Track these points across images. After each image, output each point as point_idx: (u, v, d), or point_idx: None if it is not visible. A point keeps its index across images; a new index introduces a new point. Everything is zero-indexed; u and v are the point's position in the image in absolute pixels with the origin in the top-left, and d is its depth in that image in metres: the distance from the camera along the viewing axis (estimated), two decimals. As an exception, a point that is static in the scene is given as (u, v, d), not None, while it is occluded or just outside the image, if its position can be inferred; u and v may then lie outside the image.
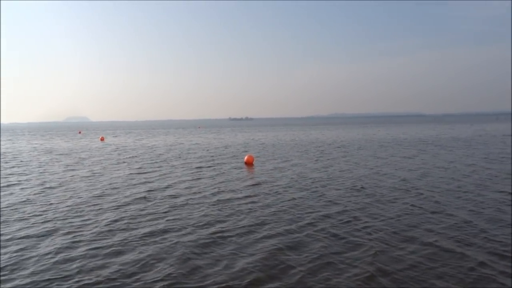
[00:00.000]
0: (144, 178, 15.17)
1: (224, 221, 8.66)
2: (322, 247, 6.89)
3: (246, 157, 19.79)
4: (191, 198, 11.19)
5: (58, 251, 6.85)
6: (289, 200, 10.73)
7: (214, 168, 17.72)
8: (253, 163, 19.41)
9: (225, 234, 7.71)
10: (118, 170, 17.73)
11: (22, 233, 7.96)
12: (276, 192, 11.95)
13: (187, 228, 8.21)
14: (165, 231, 7.97)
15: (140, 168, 18.29)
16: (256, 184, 13.31)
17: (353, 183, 13.18)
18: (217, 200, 10.88)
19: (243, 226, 8.24)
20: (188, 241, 7.31)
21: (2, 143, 43.04)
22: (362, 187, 12.38)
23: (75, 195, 11.97)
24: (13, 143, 42.61)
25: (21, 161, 22.28)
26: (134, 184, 13.72)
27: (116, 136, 57.20)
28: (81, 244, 7.26)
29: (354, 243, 7.10)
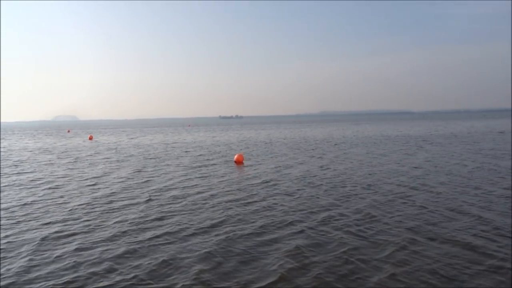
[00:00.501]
0: (145, 178, 14.97)
1: (236, 221, 8.55)
2: (343, 245, 6.82)
3: (236, 156, 19.76)
4: (197, 198, 11.06)
5: (72, 254, 6.68)
6: (297, 198, 10.67)
7: (213, 167, 17.59)
8: (243, 162, 19.36)
9: (240, 234, 7.61)
10: (118, 169, 17.48)
11: (32, 235, 7.76)
12: (283, 191, 11.87)
13: (199, 228, 8.09)
14: (177, 232, 7.84)
15: (138, 167, 18.07)
16: (261, 183, 13.22)
17: (359, 181, 13.17)
18: (224, 200, 10.75)
19: (257, 225, 8.14)
20: (204, 242, 7.19)
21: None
22: (369, 185, 12.36)
23: (78, 196, 11.74)
24: (4, 141, 41.84)
25: (18, 161, 21.86)
26: (136, 184, 13.52)
27: (109, 135, 56.57)
28: (94, 246, 7.10)
29: (375, 241, 7.04)
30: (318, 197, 10.79)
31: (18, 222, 8.75)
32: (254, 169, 16.54)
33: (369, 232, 7.58)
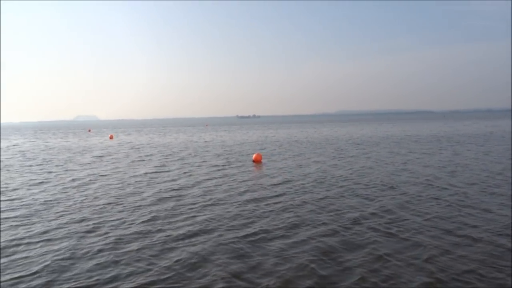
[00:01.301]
0: (167, 176, 15.15)
1: (261, 221, 8.56)
2: (374, 245, 6.76)
3: (254, 156, 19.79)
4: (222, 196, 11.12)
5: (103, 250, 6.81)
6: (322, 199, 10.60)
7: (236, 166, 17.65)
8: (261, 160, 19.41)
9: (267, 234, 7.60)
10: (139, 167, 17.73)
11: (64, 232, 7.95)
12: (307, 190, 11.82)
13: (224, 227, 8.13)
14: (203, 231, 7.89)
15: (160, 165, 18.28)
16: (284, 182, 13.20)
17: (383, 181, 13.00)
18: (249, 199, 10.75)
19: (284, 225, 8.12)
20: (230, 241, 7.22)
21: (18, 141, 43.44)
22: (392, 186, 12.16)
23: (105, 193, 11.97)
24: (29, 141, 42.99)
25: (44, 159, 22.43)
26: (159, 182, 13.69)
27: (129, 134, 57.43)
28: (123, 243, 7.22)
29: (406, 241, 6.94)
30: (345, 197, 10.70)
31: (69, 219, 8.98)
32: (279, 168, 16.51)
33: (403, 233, 7.46)
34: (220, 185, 12.94)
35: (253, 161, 19.40)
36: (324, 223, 8.20)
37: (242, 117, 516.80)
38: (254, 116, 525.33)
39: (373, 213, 8.90)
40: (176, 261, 6.24)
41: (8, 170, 17.93)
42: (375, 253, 6.43)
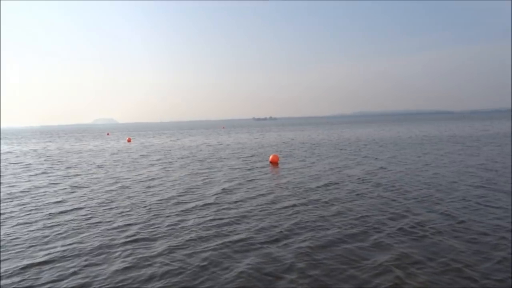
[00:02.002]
0: (200, 180, 15.13)
1: (319, 225, 8.40)
2: (450, 252, 6.52)
3: (271, 157, 19.76)
4: (261, 201, 11.01)
5: (160, 256, 6.77)
6: (370, 199, 10.36)
7: (262, 169, 17.52)
8: (278, 162, 19.46)
9: (332, 239, 7.45)
10: (175, 172, 17.78)
11: (126, 237, 7.95)
12: (348, 191, 11.60)
13: (285, 233, 8.00)
14: (256, 237, 7.79)
15: (199, 168, 18.30)
16: (325, 185, 12.97)
17: (429, 182, 12.65)
18: (291, 204, 10.55)
19: (348, 230, 7.95)
20: (295, 248, 7.09)
21: (48, 144, 44.35)
22: (440, 187, 11.83)
23: (149, 197, 12.00)
24: (66, 144, 43.86)
25: (73, 163, 22.77)
26: (201, 186, 13.67)
27: (152, 137, 57.97)
28: (178, 249, 7.16)
29: (479, 247, 6.70)
30: (392, 199, 10.43)
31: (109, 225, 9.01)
32: (315, 169, 16.29)
33: (468, 239, 7.19)
34: (254, 188, 12.83)
35: (270, 162, 19.52)
36: (381, 230, 7.99)
37: (258, 119, 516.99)
38: (270, 118, 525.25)
39: (429, 218, 8.62)
40: (226, 269, 6.13)
41: (100, 168, 18.23)
42: (446, 258, 6.19)
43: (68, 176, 16.86)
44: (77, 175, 17.30)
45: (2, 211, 10.35)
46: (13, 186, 14.60)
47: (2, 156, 28.99)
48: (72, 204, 11.03)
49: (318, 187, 12.68)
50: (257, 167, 18.25)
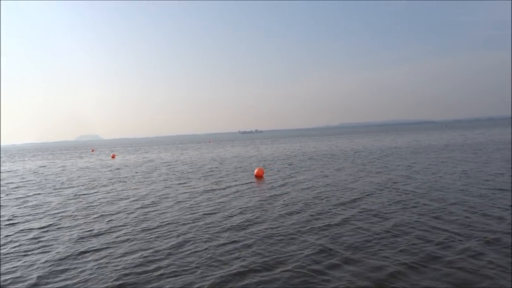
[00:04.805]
0: (215, 194, 15.04)
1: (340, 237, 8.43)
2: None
3: (256, 170, 19.67)
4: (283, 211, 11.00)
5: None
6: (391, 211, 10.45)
7: (268, 183, 17.54)
8: (263, 176, 19.29)
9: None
10: (177, 188, 17.63)
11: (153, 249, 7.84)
12: (381, 212, 11.04)
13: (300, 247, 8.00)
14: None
15: (215, 181, 18.18)
16: (344, 204, 13.04)
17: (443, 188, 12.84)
18: (313, 214, 10.60)
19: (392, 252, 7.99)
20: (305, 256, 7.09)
21: (32, 163, 43.45)
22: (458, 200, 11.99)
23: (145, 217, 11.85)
24: (42, 162, 42.99)
25: (69, 179, 22.37)
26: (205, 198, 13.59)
27: (147, 152, 57.30)
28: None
29: None
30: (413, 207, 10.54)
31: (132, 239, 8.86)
32: (314, 183, 16.37)
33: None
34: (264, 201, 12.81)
35: (256, 176, 19.37)
36: (414, 238, 8.06)
37: (244, 132, 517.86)
38: (256, 131, 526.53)
39: (459, 233, 8.75)
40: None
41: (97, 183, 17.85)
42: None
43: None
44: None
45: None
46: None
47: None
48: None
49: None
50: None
